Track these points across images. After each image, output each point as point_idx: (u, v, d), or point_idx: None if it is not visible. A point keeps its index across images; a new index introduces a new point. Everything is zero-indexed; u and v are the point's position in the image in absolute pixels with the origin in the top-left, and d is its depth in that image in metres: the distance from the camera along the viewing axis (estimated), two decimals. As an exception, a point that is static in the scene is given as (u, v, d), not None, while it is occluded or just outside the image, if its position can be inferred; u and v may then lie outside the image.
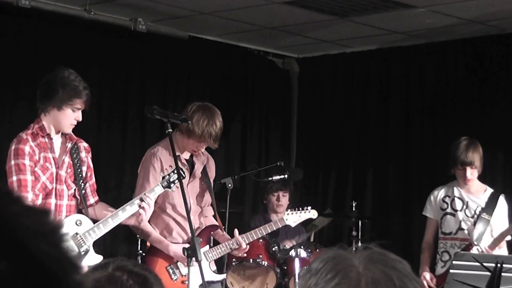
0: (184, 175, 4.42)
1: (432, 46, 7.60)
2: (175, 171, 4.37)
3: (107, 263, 1.84)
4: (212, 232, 4.95)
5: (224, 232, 5.03)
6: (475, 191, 5.54)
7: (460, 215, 5.51)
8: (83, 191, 4.32)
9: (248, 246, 4.91)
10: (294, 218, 5.25)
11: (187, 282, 4.48)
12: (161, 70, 7.54)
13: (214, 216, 5.06)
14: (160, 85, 7.51)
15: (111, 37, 7.12)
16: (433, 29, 7.14)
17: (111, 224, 4.22)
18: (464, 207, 5.52)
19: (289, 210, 5.35)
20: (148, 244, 4.95)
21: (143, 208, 4.28)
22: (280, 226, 5.23)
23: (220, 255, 4.92)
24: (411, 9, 6.55)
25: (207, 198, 4.98)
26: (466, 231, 5.48)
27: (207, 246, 4.89)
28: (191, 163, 4.89)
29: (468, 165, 5.38)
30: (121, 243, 6.53)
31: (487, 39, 7.27)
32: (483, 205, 5.50)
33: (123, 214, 4.26)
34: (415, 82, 7.78)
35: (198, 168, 4.91)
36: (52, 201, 4.19)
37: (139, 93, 7.34)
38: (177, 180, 4.36)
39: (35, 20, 6.63)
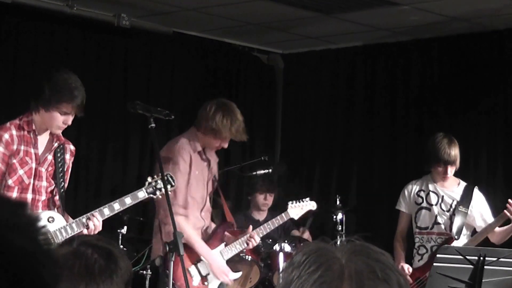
0: (173, 184, 4.43)
1: (416, 43, 7.64)
2: (164, 178, 4.35)
3: (72, 239, 1.87)
4: (225, 230, 5.04)
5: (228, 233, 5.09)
6: (449, 185, 5.59)
7: (436, 209, 5.55)
8: (62, 191, 4.30)
9: (258, 239, 5.08)
10: (297, 211, 5.48)
11: (207, 283, 4.51)
12: (145, 66, 7.52)
13: (223, 211, 5.17)
14: (143, 81, 7.50)
15: (94, 33, 7.09)
16: (417, 26, 7.18)
17: (85, 223, 4.17)
18: (439, 201, 5.57)
19: (290, 203, 5.48)
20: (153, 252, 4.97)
21: (87, 227, 4.14)
22: (286, 219, 5.45)
23: (235, 252, 5.01)
24: (395, 6, 6.59)
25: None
26: (442, 226, 5.52)
27: (222, 244, 4.96)
28: (207, 161, 4.96)
29: (450, 163, 5.44)
30: (103, 236, 6.52)
31: (470, 36, 7.32)
32: (458, 199, 5.54)
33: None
34: (400, 78, 7.81)
35: (214, 166, 5.02)
36: (29, 195, 4.17)
37: (122, 89, 7.32)
38: (163, 188, 4.34)
39: (16, 15, 6.59)
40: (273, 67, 8.61)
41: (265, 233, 5.17)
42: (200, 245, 4.80)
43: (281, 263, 5.80)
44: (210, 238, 4.94)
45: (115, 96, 7.27)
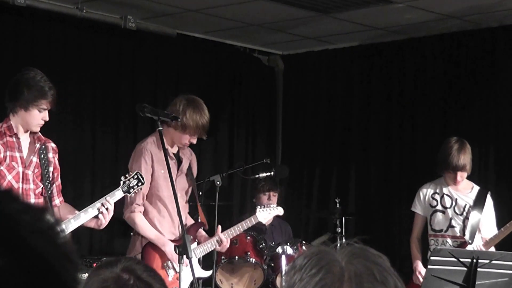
0: (143, 181, 4.49)
1: (411, 42, 7.65)
2: (135, 176, 4.42)
3: (117, 261, 1.84)
4: (198, 230, 5.08)
5: (203, 232, 5.14)
6: (462, 189, 5.61)
7: (450, 212, 5.57)
8: (49, 192, 4.33)
9: (228, 241, 5.07)
10: (264, 215, 5.45)
11: (180, 279, 4.55)
12: (151, 67, 7.57)
13: (197, 212, 5.17)
14: (150, 81, 7.54)
15: (102, 35, 7.16)
16: (412, 24, 7.20)
17: (73, 225, 4.22)
18: (453, 204, 5.58)
19: (259, 207, 5.49)
20: (139, 243, 4.99)
21: (102, 213, 4.24)
22: (254, 223, 5.39)
23: (206, 252, 5.05)
24: (390, 5, 6.62)
25: (189, 194, 5.11)
26: (456, 229, 5.54)
27: (195, 243, 4.99)
28: (178, 158, 4.99)
29: (460, 170, 5.45)
30: (117, 238, 6.59)
31: (464, 34, 7.33)
32: (471, 203, 5.56)
33: (85, 216, 4.25)
34: (396, 77, 7.81)
35: (185, 164, 5.03)
36: None
37: (130, 90, 7.38)
38: (136, 186, 4.41)
39: (30, 18, 6.68)
40: (273, 68, 8.62)
41: (235, 234, 5.18)
42: (150, 232, 4.84)
43: (284, 266, 5.85)
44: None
45: (123, 96, 7.33)
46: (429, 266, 4.88)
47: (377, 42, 7.86)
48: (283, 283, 5.67)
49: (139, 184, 4.42)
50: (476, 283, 4.74)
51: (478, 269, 4.74)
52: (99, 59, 7.20)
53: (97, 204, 4.26)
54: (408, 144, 7.68)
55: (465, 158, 5.45)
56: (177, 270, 4.66)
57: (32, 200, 4.26)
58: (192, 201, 5.19)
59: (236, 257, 5.88)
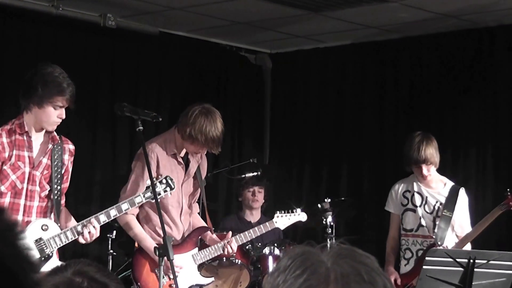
0: (173, 186, 4.41)
1: (405, 41, 7.61)
2: (164, 181, 4.35)
3: (67, 266, 1.76)
4: (201, 234, 4.95)
5: (214, 234, 5.02)
6: (435, 185, 5.49)
7: (420, 211, 5.47)
8: (57, 196, 4.23)
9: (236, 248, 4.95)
10: (284, 221, 5.26)
11: (173, 286, 4.45)
12: (132, 67, 7.49)
13: (204, 216, 5.05)
14: (130, 81, 7.47)
15: (80, 33, 7.06)
16: (407, 23, 7.16)
17: (80, 231, 4.17)
18: (423, 202, 5.48)
19: (278, 212, 5.29)
20: (136, 245, 4.91)
21: (82, 235, 4.16)
22: (270, 229, 5.20)
23: (208, 258, 4.92)
24: (384, 4, 6.57)
25: (196, 195, 4.99)
26: (426, 228, 5.43)
27: (196, 248, 4.88)
28: (185, 161, 4.88)
29: (422, 163, 5.31)
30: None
31: (460, 33, 7.30)
32: (443, 201, 5.43)
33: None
34: (389, 77, 7.78)
35: (193, 167, 4.91)
36: (22, 201, 4.13)
37: (109, 90, 7.28)
38: (163, 191, 4.33)
39: (1, 17, 6.54)
40: (261, 67, 8.57)
41: (245, 241, 5.03)
42: (146, 242, 4.72)
43: (271, 267, 5.78)
44: (184, 241, 4.87)
45: (102, 97, 7.24)
46: (424, 267, 4.83)
47: (370, 41, 7.80)
48: (267, 285, 5.49)
49: (168, 189, 4.34)
50: (473, 283, 4.64)
51: (475, 269, 4.65)
52: (76, 58, 7.09)
53: (78, 227, 4.17)
54: (401, 142, 7.53)
55: (427, 150, 5.32)
56: (171, 276, 4.55)
57: (36, 202, 4.16)
58: (199, 201, 5.09)
59: (222, 258, 5.72)
